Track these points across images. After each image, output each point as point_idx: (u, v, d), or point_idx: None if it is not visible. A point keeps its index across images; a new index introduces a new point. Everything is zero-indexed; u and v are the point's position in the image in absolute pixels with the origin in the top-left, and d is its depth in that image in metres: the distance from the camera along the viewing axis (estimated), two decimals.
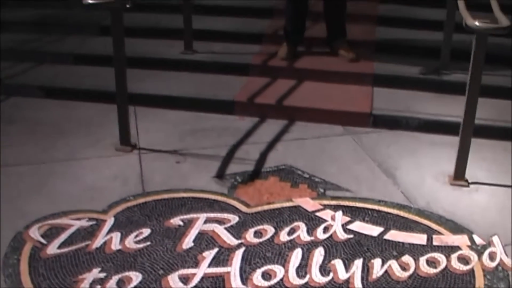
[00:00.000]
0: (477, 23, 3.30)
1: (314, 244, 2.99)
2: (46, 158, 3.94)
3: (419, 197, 3.50)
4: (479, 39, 3.40)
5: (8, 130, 4.34)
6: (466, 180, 3.68)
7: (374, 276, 2.76)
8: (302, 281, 2.71)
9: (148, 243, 2.99)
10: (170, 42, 5.54)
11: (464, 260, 2.90)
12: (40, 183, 3.61)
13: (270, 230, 3.10)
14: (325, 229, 3.11)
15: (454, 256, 2.92)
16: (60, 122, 4.52)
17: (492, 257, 2.93)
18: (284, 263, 2.84)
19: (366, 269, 2.81)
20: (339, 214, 3.26)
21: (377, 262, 2.86)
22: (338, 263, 2.84)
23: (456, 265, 2.86)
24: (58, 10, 6.46)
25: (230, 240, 3.02)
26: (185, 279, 2.72)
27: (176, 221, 3.18)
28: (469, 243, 3.04)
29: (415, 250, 2.96)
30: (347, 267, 2.82)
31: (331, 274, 2.76)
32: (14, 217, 3.21)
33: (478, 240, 3.06)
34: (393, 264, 2.85)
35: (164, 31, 5.79)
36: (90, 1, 3.74)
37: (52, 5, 6.58)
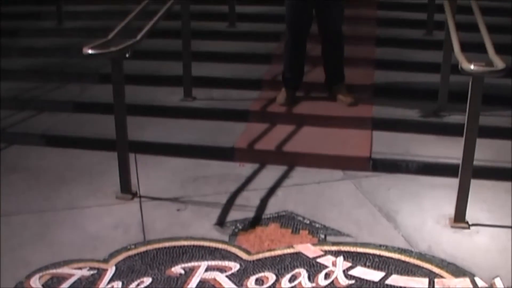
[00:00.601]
0: (472, 67, 3.34)
1: None
2: (47, 206, 3.95)
3: (420, 241, 3.49)
4: (475, 82, 3.44)
5: (9, 179, 4.36)
6: (467, 222, 3.67)
7: None
8: None
9: None
10: (170, 89, 5.59)
11: None
12: (41, 232, 3.61)
13: (271, 277, 3.09)
14: (327, 275, 3.10)
15: None
16: (61, 170, 4.53)
17: None
18: None
19: None
20: (340, 259, 3.25)
21: None
22: None
23: None
24: (58, 59, 6.53)
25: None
26: None
27: (178, 269, 3.17)
28: (471, 286, 3.02)
29: None
30: None
31: None
32: (15, 266, 3.20)
33: (480, 283, 3.04)
34: None
35: (164, 78, 5.84)
36: (90, 52, 3.79)
37: (52, 54, 6.67)
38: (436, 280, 3.07)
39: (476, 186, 3.76)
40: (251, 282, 3.04)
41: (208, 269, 3.17)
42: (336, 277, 3.08)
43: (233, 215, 3.81)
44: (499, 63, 3.41)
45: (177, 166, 4.58)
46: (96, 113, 5.30)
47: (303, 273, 3.12)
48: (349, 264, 3.21)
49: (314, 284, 3.02)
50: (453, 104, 4.86)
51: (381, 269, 3.17)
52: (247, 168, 4.52)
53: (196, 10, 6.49)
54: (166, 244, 3.44)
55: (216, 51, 6.33)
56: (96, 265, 3.22)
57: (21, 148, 4.96)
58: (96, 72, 6.00)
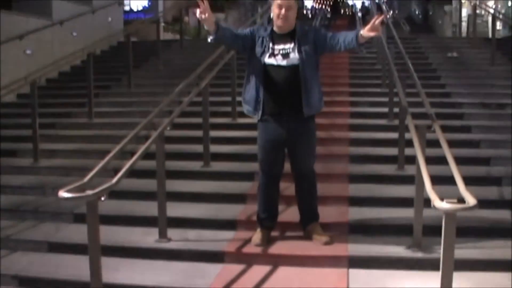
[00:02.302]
0: (444, 205, 3.40)
1: None
2: None
3: None
4: (447, 219, 3.50)
5: None
6: None
7: None
8: None
9: None
10: (145, 230, 5.55)
11: None
12: None
13: None
14: None
15: None
16: None
17: None
18: None
19: None
20: None
21: None
22: None
23: None
24: (33, 197, 6.52)
25: None
26: None
27: None
28: None
29: None
30: None
31: None
32: None
33: None
34: None
35: (139, 218, 5.82)
36: (66, 195, 3.81)
37: (27, 192, 6.66)
38: None
39: None
40: None
41: None
42: None
43: None
44: (470, 200, 3.49)
45: None
46: (71, 254, 5.21)
47: None
48: None
49: None
50: (428, 238, 4.90)
51: None
52: None
53: (171, 149, 6.63)
54: None
55: (191, 191, 6.37)
56: None
57: None
58: (71, 212, 5.97)
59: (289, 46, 4.92)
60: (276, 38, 4.97)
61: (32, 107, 7.58)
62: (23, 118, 8.67)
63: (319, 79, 5.09)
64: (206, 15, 4.65)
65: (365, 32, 4.67)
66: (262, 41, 4.97)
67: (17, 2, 11.50)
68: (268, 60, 4.91)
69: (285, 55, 4.91)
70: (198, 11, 4.66)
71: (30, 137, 7.62)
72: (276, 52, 4.92)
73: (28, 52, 10.64)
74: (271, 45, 4.94)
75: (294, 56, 4.90)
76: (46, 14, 11.62)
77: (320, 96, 5.07)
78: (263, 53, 4.94)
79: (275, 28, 5.01)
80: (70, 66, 11.92)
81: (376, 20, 4.63)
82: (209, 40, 4.90)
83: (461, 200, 3.52)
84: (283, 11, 4.88)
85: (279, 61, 4.90)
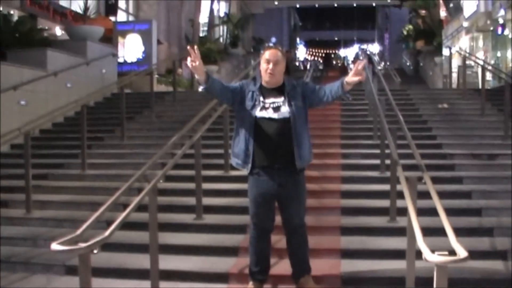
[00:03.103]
0: (435, 258, 3.42)
1: None
2: None
3: None
4: (439, 271, 3.51)
5: None
6: None
7: None
8: None
9: None
10: (137, 283, 5.54)
11: None
12: None
13: None
14: None
15: None
16: None
17: None
18: None
19: None
20: None
21: None
22: None
23: None
24: (24, 248, 6.49)
25: None
26: None
27: None
28: None
29: None
30: None
31: None
32: None
33: None
34: None
35: (131, 271, 5.79)
36: (58, 248, 3.80)
37: (18, 243, 6.63)
38: None
39: None
40: None
41: None
42: None
43: None
44: (461, 252, 3.52)
45: None
46: None
47: None
48: None
49: None
50: None
51: None
52: None
53: (164, 201, 6.64)
54: None
55: (183, 244, 6.35)
56: None
57: None
58: (63, 264, 5.93)
59: (279, 99, 5.00)
60: (266, 92, 5.05)
61: (25, 157, 7.61)
62: (16, 169, 8.68)
63: (309, 131, 5.15)
64: (197, 63, 4.73)
65: (350, 78, 4.75)
66: (252, 95, 5.04)
67: (12, 53, 11.63)
68: (259, 113, 4.97)
69: (276, 108, 4.97)
70: (189, 59, 4.75)
71: (23, 188, 7.63)
72: (267, 105, 4.98)
73: (22, 103, 10.71)
74: (261, 98, 5.01)
75: (285, 109, 4.97)
76: (40, 65, 11.72)
77: (310, 148, 5.12)
78: (253, 106, 5.00)
79: (263, 83, 5.09)
80: (64, 117, 12.01)
81: (359, 66, 4.72)
82: (199, 89, 4.98)
83: (452, 252, 3.54)
84: (270, 65, 4.97)
85: (270, 113, 4.97)
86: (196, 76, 4.92)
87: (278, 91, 5.04)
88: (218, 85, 5.04)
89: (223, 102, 5.43)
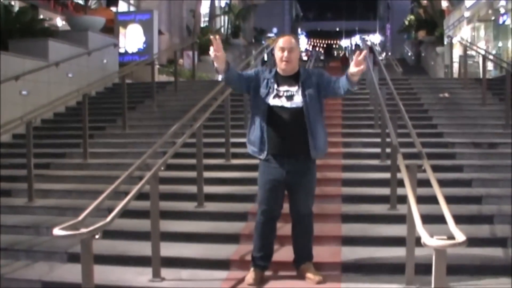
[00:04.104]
0: (434, 242, 3.45)
1: None
2: None
3: None
4: (438, 255, 3.54)
5: None
6: None
7: None
8: None
9: None
10: (139, 269, 5.56)
11: None
12: None
13: None
14: None
15: None
16: None
17: None
18: None
19: None
20: None
21: None
22: None
23: None
24: (27, 236, 6.52)
25: None
26: None
27: None
28: None
29: None
30: None
31: None
32: None
33: None
34: None
35: (133, 258, 5.82)
36: (60, 233, 3.83)
37: (21, 231, 6.66)
38: None
39: None
40: None
41: None
42: None
43: None
44: (459, 236, 3.54)
45: None
46: None
47: None
48: None
49: None
50: (420, 276, 4.91)
51: None
52: None
53: (165, 190, 6.67)
54: None
55: (185, 231, 6.38)
56: None
57: None
58: (65, 251, 5.96)
59: (293, 88, 5.02)
60: (281, 80, 5.06)
61: (27, 147, 7.63)
62: (18, 158, 8.73)
63: (324, 122, 5.17)
64: (219, 53, 4.75)
65: (352, 69, 4.75)
66: (267, 82, 5.06)
67: (14, 43, 11.65)
68: (273, 101, 4.99)
69: (289, 97, 4.99)
70: (211, 48, 4.75)
71: (25, 177, 7.66)
72: (280, 93, 5.00)
73: (24, 92, 10.73)
74: (275, 86, 5.03)
75: (298, 99, 4.98)
76: (42, 55, 11.73)
77: (325, 138, 5.14)
78: (267, 94, 5.02)
79: (279, 71, 5.10)
80: (65, 107, 12.01)
81: (359, 56, 4.71)
82: (219, 79, 4.99)
83: (451, 237, 3.57)
84: (285, 53, 4.99)
85: (283, 102, 4.98)
86: (216, 65, 4.92)
87: (293, 79, 5.05)
88: (235, 74, 5.07)
89: (241, 91, 5.43)
